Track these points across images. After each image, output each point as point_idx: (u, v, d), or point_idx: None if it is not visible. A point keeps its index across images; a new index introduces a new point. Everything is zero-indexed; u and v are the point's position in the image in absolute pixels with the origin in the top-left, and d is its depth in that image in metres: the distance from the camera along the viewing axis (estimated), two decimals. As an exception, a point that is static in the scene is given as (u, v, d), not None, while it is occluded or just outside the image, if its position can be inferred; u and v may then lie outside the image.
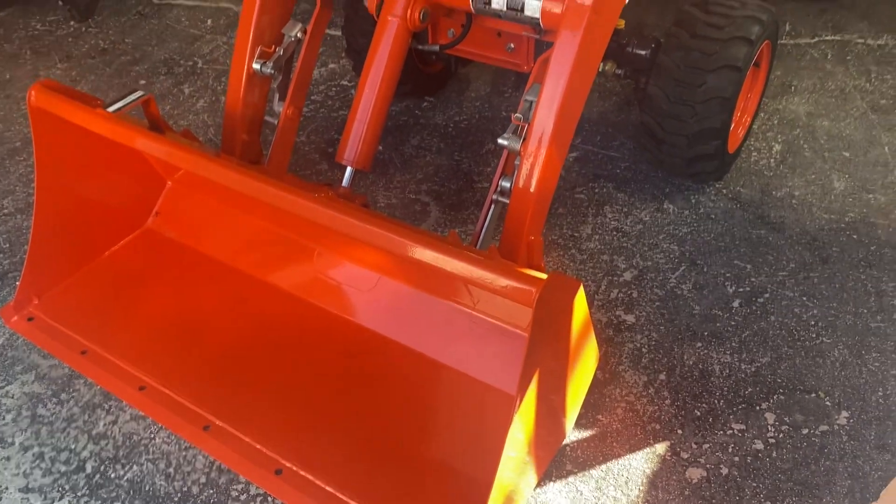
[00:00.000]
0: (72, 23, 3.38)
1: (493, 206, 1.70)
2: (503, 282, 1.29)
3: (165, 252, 2.08)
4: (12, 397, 1.82)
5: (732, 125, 2.16)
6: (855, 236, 2.11)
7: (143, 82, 2.95)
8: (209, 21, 3.33)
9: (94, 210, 2.02)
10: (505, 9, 1.67)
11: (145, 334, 1.88)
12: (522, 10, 1.64)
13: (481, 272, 1.31)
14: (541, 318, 1.26)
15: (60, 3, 3.41)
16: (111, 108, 1.75)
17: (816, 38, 2.97)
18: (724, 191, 2.29)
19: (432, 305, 1.74)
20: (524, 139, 1.60)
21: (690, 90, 2.01)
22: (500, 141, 1.63)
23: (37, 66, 3.09)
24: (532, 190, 1.60)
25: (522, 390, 1.28)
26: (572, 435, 1.67)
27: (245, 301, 1.94)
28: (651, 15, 2.86)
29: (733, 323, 1.90)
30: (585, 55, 1.58)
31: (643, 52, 2.15)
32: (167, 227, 2.11)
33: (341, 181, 1.85)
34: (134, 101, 1.79)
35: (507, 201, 1.65)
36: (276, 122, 2.03)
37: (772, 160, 2.39)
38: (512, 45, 2.09)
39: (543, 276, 1.28)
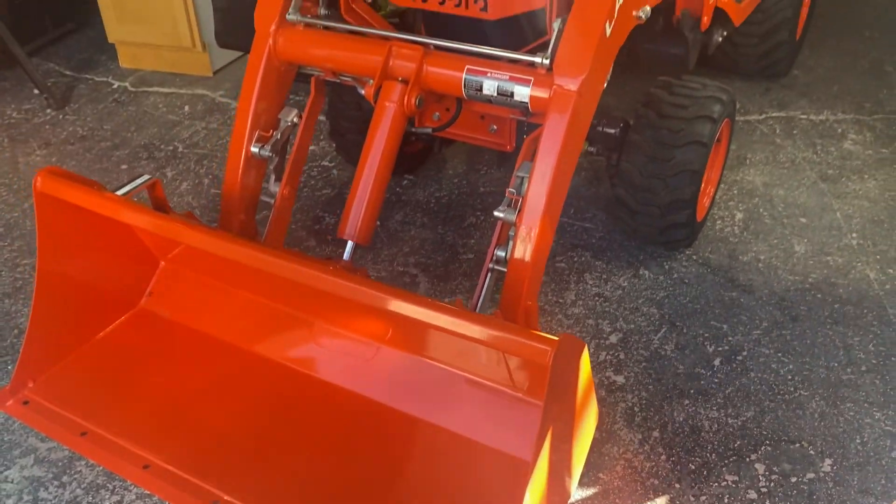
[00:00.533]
0: (48, 110, 3.44)
1: (489, 275, 1.79)
2: (519, 343, 1.37)
3: (160, 331, 2.10)
4: (12, 482, 1.80)
5: (700, 196, 2.32)
6: (819, 295, 2.26)
7: (124, 167, 3.01)
8: (186, 107, 3.43)
9: (89, 292, 2.05)
10: (496, 94, 1.80)
11: (146, 413, 1.89)
12: (512, 95, 1.78)
13: (498, 333, 1.39)
14: (555, 379, 1.34)
15: (36, 91, 3.48)
16: (120, 192, 1.81)
17: (764, 115, 3.21)
18: (695, 257, 2.43)
19: (436, 372, 1.80)
20: (519, 211, 1.71)
21: (661, 165, 2.17)
22: (496, 213, 1.74)
23: (15, 154, 3.13)
24: (528, 259, 1.71)
25: (536, 454, 1.34)
26: (576, 493, 1.73)
27: (245, 375, 1.97)
28: (610, 98, 3.06)
29: (716, 380, 2.00)
30: (572, 135, 1.71)
31: (613, 131, 2.31)
32: (161, 306, 2.14)
33: (334, 257, 1.92)
34: (141, 184, 1.86)
35: (504, 269, 1.75)
36: (271, 202, 2.11)
37: (735, 227, 2.55)
38: (495, 127, 2.23)
39: (555, 337, 1.36)
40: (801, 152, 2.95)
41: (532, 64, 1.77)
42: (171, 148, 3.12)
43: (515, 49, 2.08)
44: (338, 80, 2.14)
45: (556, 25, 1.75)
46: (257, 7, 2.04)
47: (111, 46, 3.83)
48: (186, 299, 2.14)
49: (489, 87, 1.81)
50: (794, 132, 3.08)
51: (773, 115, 3.22)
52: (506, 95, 1.80)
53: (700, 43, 2.64)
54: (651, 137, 2.19)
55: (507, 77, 1.78)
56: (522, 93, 1.77)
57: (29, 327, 1.86)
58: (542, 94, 1.74)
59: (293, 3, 2.02)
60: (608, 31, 1.73)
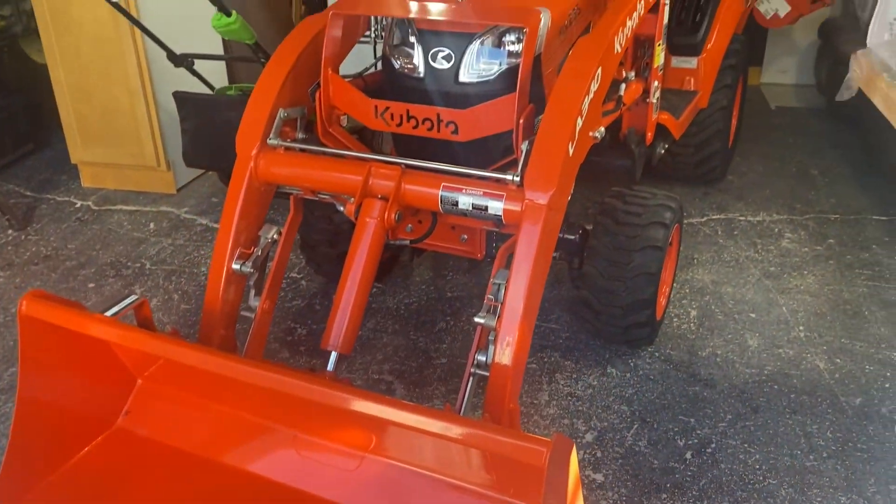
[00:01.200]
0: (10, 231, 3.45)
1: (471, 379, 1.86)
2: (513, 445, 1.43)
3: (137, 450, 2.08)
4: None
5: (658, 296, 2.47)
6: (776, 387, 2.39)
7: (91, 286, 3.02)
8: (151, 225, 3.49)
9: (67, 414, 2.04)
10: (471, 209, 1.93)
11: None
12: (486, 209, 1.91)
13: (491, 436, 1.45)
14: (550, 479, 1.40)
15: (-3, 213, 3.49)
16: (108, 313, 1.85)
17: (706, 218, 3.44)
18: (657, 354, 2.55)
19: (422, 480, 1.83)
20: (498, 317, 1.81)
21: (621, 268, 2.32)
22: (476, 319, 1.83)
23: (-23, 275, 3.11)
24: (509, 362, 1.79)
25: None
26: None
27: (226, 491, 1.97)
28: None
29: (690, 473, 2.08)
30: (544, 244, 1.84)
31: (573, 237, 2.46)
32: (138, 424, 2.13)
33: (311, 368, 1.97)
34: (129, 304, 1.90)
35: (485, 373, 1.83)
36: (251, 316, 2.17)
37: (692, 324, 2.70)
38: (465, 237, 2.36)
39: (548, 437, 1.43)
40: (744, 251, 3.16)
41: (503, 181, 1.91)
42: (138, 265, 3.15)
43: (483, 165, 2.24)
44: (315, 198, 2.25)
45: (524, 147, 1.92)
46: (239, 132, 2.15)
47: (72, 166, 3.90)
48: (164, 417, 2.14)
49: (464, 202, 1.94)
50: (735, 233, 3.31)
51: (714, 217, 3.45)
52: (480, 209, 1.93)
53: (645, 156, 2.86)
54: (610, 243, 2.35)
55: (482, 193, 1.92)
56: (496, 207, 1.91)
57: (6, 453, 1.84)
58: (515, 207, 1.88)
59: (274, 128, 2.15)
60: (570, 150, 1.89)
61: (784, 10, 4.49)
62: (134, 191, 3.80)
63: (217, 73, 3.81)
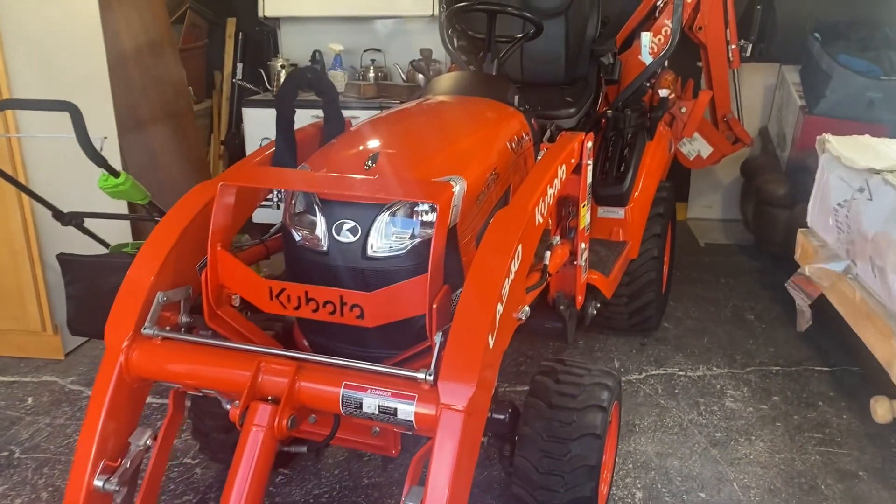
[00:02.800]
0: None
1: None
2: None
3: None
4: None
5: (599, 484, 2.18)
6: (736, 590, 2.10)
7: (-56, 482, 2.57)
8: (30, 399, 3.07)
9: None
10: (377, 413, 1.65)
11: None
12: (395, 413, 1.63)
13: None
14: None
15: None
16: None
17: (644, 374, 3.22)
18: (601, 550, 2.24)
19: None
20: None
21: (557, 461, 2.03)
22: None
23: None
24: None
25: None
26: None
27: None
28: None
29: None
30: (464, 456, 1.56)
31: (502, 417, 2.18)
32: None
33: None
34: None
35: None
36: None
37: (638, 509, 2.41)
38: (377, 429, 2.05)
39: None
40: (687, 414, 2.93)
41: (414, 379, 1.64)
42: (5, 454, 2.72)
43: (396, 348, 1.98)
44: (200, 394, 1.93)
45: (437, 339, 1.66)
46: (108, 322, 1.85)
47: (-53, 330, 3.47)
48: None
49: (370, 404, 1.66)
50: (676, 391, 3.09)
51: (653, 373, 3.24)
52: (388, 413, 1.65)
53: (576, 317, 2.66)
54: (543, 429, 2.07)
55: (389, 394, 1.65)
56: (406, 411, 1.63)
57: None
58: (428, 411, 1.61)
59: (150, 315, 1.85)
60: (491, 342, 1.65)
61: (706, 151, 4.51)
62: (15, 357, 3.38)
63: (120, 227, 3.52)
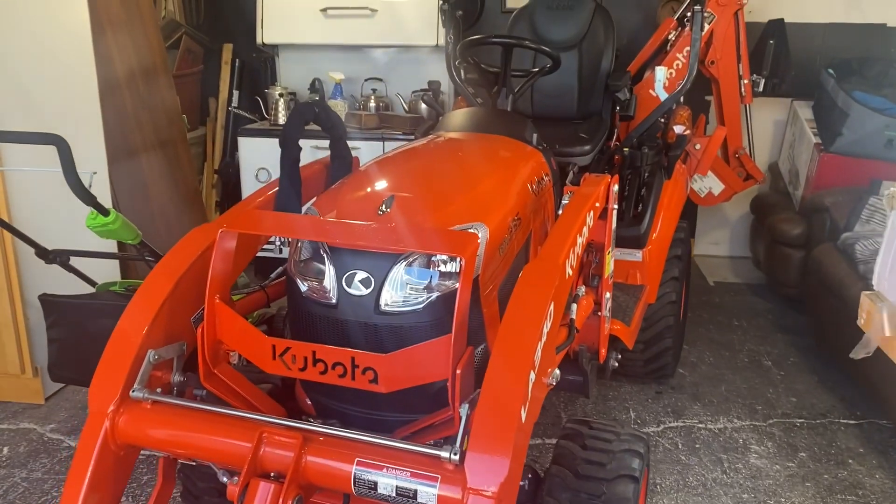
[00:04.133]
0: None
1: None
2: None
3: None
4: None
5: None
6: None
7: None
8: (5, 450, 2.86)
9: None
10: (394, 495, 1.46)
11: None
12: (415, 496, 1.45)
13: None
14: None
15: None
16: None
17: (662, 426, 3.05)
18: None
19: None
20: None
21: (588, 540, 1.85)
22: None
23: None
24: None
25: None
26: None
27: None
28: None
29: None
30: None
31: (522, 484, 1.99)
32: None
33: None
34: None
35: None
36: None
37: (666, 583, 2.22)
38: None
39: None
40: (710, 472, 2.75)
41: (437, 458, 1.46)
42: (-24, 512, 2.51)
43: (411, 414, 1.80)
44: (193, 464, 1.74)
45: (462, 412, 1.49)
46: (93, 383, 1.66)
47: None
48: None
49: (385, 485, 1.47)
50: (697, 446, 2.91)
51: (671, 425, 3.06)
52: (407, 497, 1.46)
53: (597, 370, 2.48)
54: (569, 502, 1.88)
55: (408, 473, 1.46)
56: (428, 493, 1.44)
57: None
58: (454, 494, 1.42)
59: (139, 376, 1.66)
60: (524, 416, 1.47)
61: (718, 188, 4.38)
62: (-8, 400, 3.18)
63: (107, 262, 3.33)
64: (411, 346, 1.61)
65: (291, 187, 2.19)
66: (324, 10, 4.46)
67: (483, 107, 2.87)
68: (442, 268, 1.74)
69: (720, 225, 5.25)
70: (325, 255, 1.77)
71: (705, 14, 3.79)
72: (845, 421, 3.12)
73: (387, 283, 1.71)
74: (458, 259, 1.67)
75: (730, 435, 3.00)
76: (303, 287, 1.81)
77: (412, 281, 1.72)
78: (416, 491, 1.45)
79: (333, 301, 1.75)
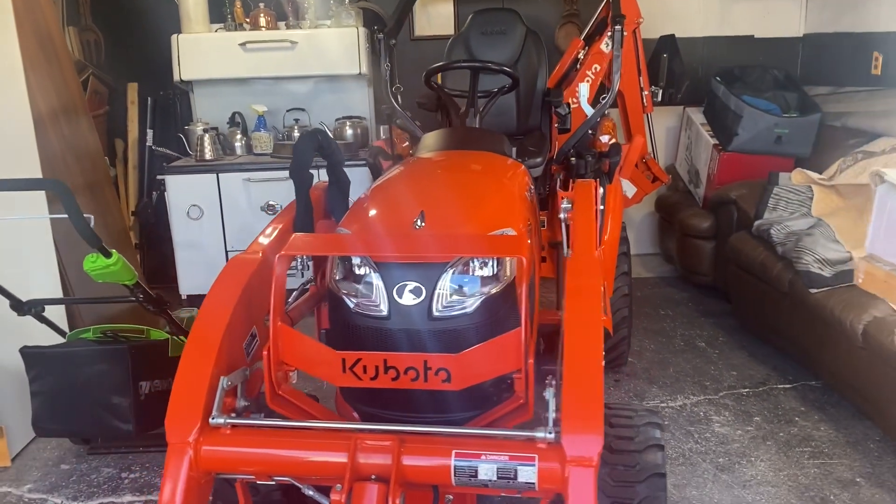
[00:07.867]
0: None
1: None
2: None
3: None
4: None
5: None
6: None
7: None
8: (-15, 516, 2.70)
9: None
10: (495, 478, 1.58)
11: None
12: (515, 477, 1.58)
13: None
14: None
15: None
16: None
17: (631, 410, 3.29)
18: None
19: None
20: None
21: (628, 504, 2.03)
22: None
23: None
24: None
25: None
26: None
27: None
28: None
29: None
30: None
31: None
32: None
33: None
34: None
35: None
36: None
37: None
38: (451, 497, 1.96)
39: None
40: (684, 444, 3.02)
41: (532, 439, 1.60)
42: (-24, 583, 2.36)
43: (463, 413, 1.92)
44: (272, 483, 1.77)
45: (548, 396, 1.64)
46: (168, 416, 1.67)
47: None
48: None
49: (486, 471, 1.59)
50: (666, 422, 3.18)
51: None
52: (508, 478, 1.59)
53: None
54: (607, 475, 2.07)
55: (507, 457, 1.59)
56: (528, 472, 1.58)
57: None
58: (553, 467, 1.56)
59: (216, 401, 1.70)
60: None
61: (631, 191, 4.73)
62: (-51, 470, 2.97)
63: (56, 310, 3.20)
64: (483, 343, 1.74)
65: (306, 211, 2.27)
66: (242, 44, 4.47)
67: (464, 126, 3.03)
68: (484, 272, 1.88)
69: (627, 226, 5.65)
70: (371, 270, 1.87)
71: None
72: (782, 386, 3.50)
73: (437, 291, 1.84)
74: (495, 261, 1.82)
75: (691, 410, 3.29)
76: (350, 303, 1.89)
77: (461, 287, 1.85)
78: (516, 471, 1.58)
79: (385, 313, 1.84)
